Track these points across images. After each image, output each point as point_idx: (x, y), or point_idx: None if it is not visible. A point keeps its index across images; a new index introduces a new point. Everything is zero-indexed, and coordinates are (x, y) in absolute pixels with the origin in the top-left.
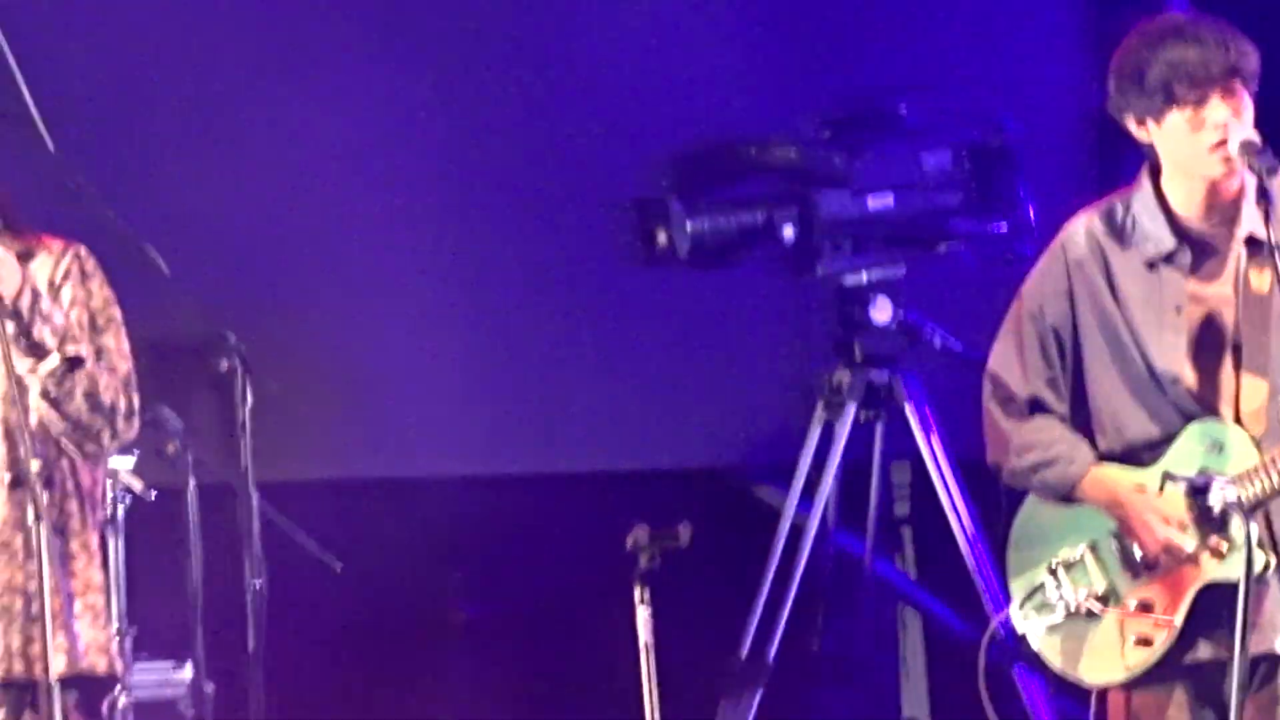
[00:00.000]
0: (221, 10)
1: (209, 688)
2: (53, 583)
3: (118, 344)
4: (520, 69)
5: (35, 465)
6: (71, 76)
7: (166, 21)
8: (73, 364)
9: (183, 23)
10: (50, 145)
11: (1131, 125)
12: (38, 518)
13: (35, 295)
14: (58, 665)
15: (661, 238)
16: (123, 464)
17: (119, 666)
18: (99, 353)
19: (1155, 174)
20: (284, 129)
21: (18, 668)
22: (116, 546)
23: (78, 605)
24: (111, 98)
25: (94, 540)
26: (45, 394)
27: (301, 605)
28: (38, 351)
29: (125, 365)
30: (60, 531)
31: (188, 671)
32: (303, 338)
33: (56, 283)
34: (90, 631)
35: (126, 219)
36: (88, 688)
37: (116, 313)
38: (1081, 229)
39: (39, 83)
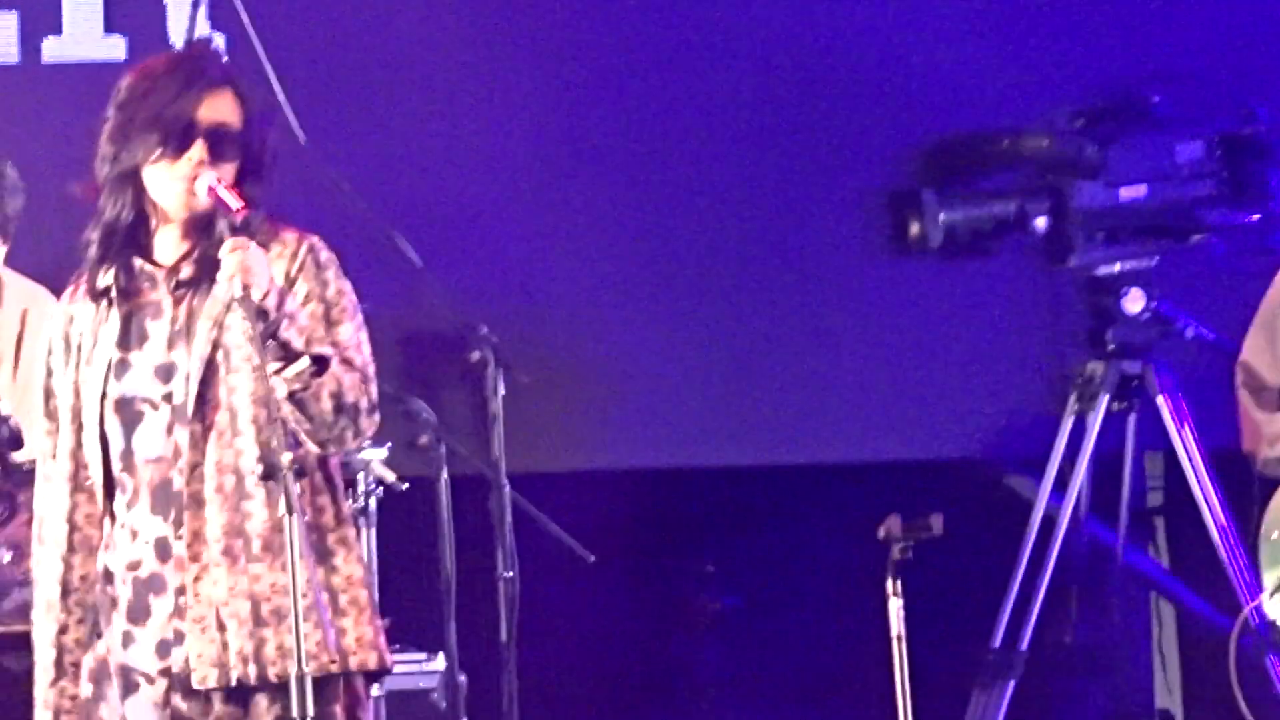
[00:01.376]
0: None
1: (461, 679)
2: (308, 577)
3: (354, 337)
4: (773, 60)
5: (286, 458)
6: (321, 68)
7: (418, 13)
8: (320, 365)
9: (433, 14)
10: (301, 138)
11: None
12: (290, 510)
13: (281, 295)
14: (320, 661)
15: (914, 228)
16: (375, 455)
17: (389, 660)
18: (336, 345)
19: None
20: (533, 121)
21: (251, 670)
22: (369, 538)
23: (342, 600)
24: (362, 89)
25: (351, 533)
26: (291, 395)
27: (553, 597)
28: (285, 351)
29: (361, 359)
30: (315, 528)
31: (440, 663)
32: (554, 329)
33: (291, 275)
34: (357, 627)
35: (378, 211)
36: (355, 684)
37: (352, 305)
38: None
39: (289, 74)
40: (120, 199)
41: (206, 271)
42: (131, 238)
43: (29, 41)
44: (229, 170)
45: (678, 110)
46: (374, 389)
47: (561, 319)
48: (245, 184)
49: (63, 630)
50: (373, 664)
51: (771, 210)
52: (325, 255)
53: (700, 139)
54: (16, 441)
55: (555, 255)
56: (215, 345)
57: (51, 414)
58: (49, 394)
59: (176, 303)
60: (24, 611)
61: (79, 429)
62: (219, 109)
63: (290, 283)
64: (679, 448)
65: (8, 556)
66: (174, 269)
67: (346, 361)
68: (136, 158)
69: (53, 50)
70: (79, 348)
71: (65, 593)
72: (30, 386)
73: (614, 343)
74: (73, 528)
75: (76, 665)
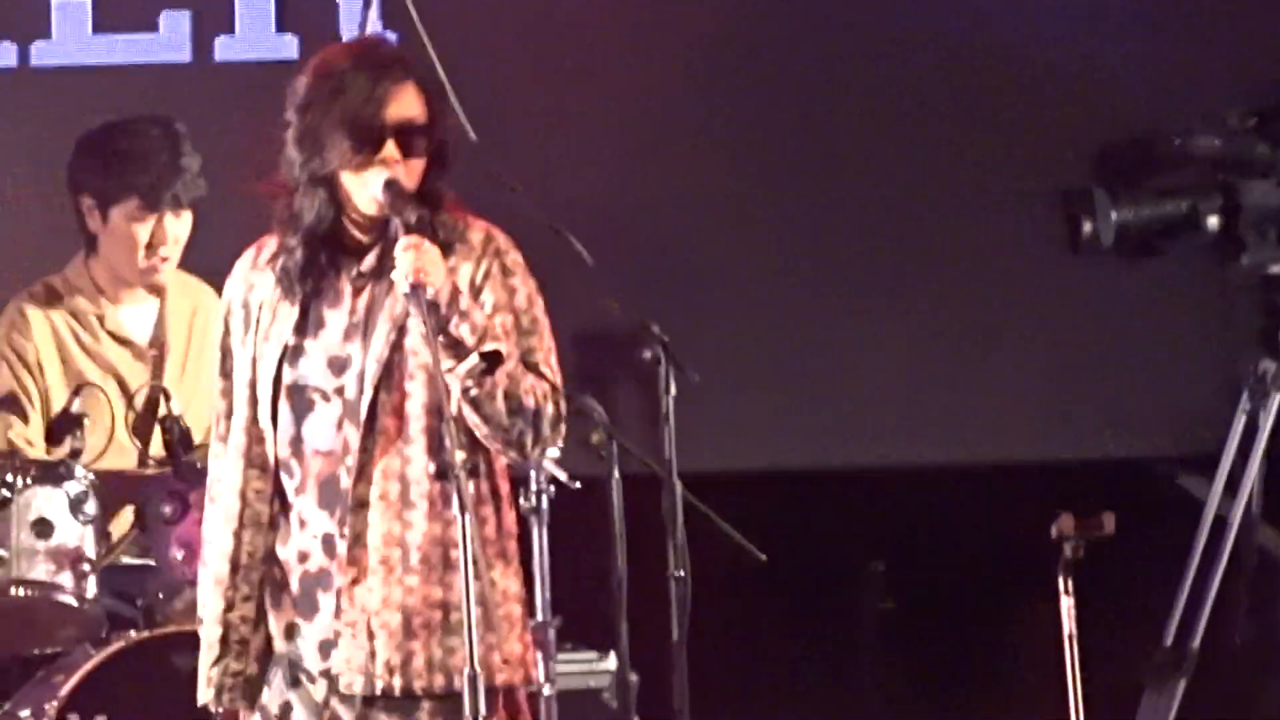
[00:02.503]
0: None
1: (633, 678)
2: (476, 586)
3: (541, 346)
4: (947, 58)
5: (460, 457)
6: (490, 65)
7: (584, 9)
8: (492, 363)
9: (599, 10)
10: (472, 135)
11: None
12: (463, 509)
13: (454, 292)
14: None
15: (1086, 227)
16: (548, 453)
17: (536, 677)
18: (525, 356)
19: None
20: (705, 118)
21: (438, 681)
22: (541, 536)
23: (496, 614)
24: (530, 86)
25: (512, 547)
26: (465, 393)
27: (724, 596)
28: (457, 349)
29: (552, 371)
30: (475, 540)
31: (611, 662)
32: (726, 328)
33: (477, 283)
34: (507, 644)
35: (548, 209)
36: (515, 695)
37: (540, 312)
38: None
39: (458, 71)
40: (316, 202)
41: (388, 265)
42: (329, 236)
43: (201, 41)
44: (418, 165)
45: (851, 108)
46: (563, 403)
47: (734, 317)
48: (432, 178)
49: (229, 607)
50: (519, 681)
51: (943, 209)
52: (511, 258)
53: (873, 137)
54: (187, 441)
55: (727, 253)
56: (394, 348)
57: (226, 373)
58: (226, 353)
59: (356, 293)
60: (194, 611)
61: (254, 402)
62: (405, 105)
63: (476, 291)
64: (849, 446)
65: (179, 555)
66: (357, 259)
67: (536, 372)
68: (330, 163)
69: (225, 49)
70: (258, 320)
71: (234, 569)
72: (200, 384)
73: (785, 341)
74: (244, 503)
75: (243, 643)
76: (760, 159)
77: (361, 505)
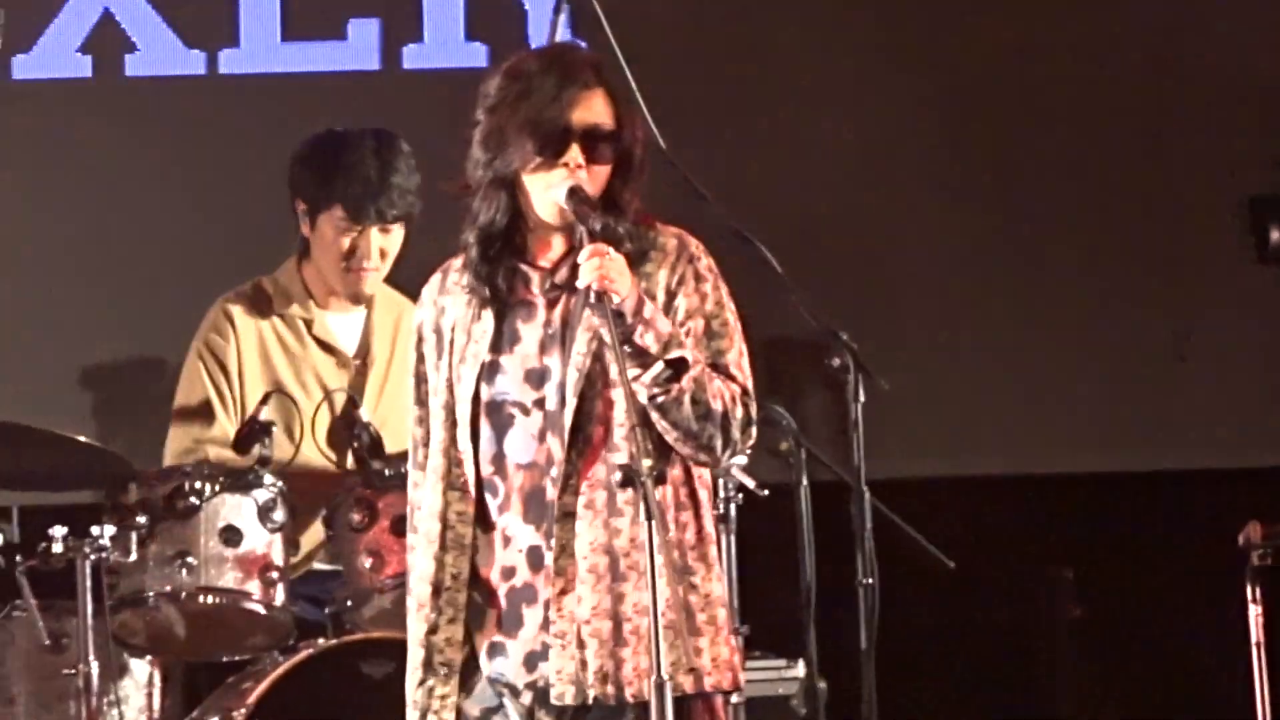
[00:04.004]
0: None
1: (821, 686)
2: (669, 592)
3: (733, 350)
4: (1140, 68)
5: (645, 464)
6: (679, 73)
7: (772, 16)
8: (677, 369)
9: (787, 17)
10: (661, 143)
11: None
12: (649, 516)
13: (640, 300)
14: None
15: (1275, 235)
16: (736, 462)
17: (742, 680)
18: (715, 359)
19: None
20: (895, 125)
21: (609, 690)
22: (729, 544)
23: (700, 618)
24: (719, 93)
25: (712, 551)
26: (652, 400)
27: (912, 603)
28: (642, 358)
29: (741, 374)
30: (676, 545)
31: (800, 669)
32: (916, 335)
33: (672, 289)
34: (714, 647)
35: (739, 217)
36: (713, 702)
37: (731, 316)
38: None
39: (647, 79)
40: (495, 202)
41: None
42: (508, 239)
43: (390, 49)
44: (603, 172)
45: (1039, 118)
46: (753, 406)
47: (923, 324)
48: (618, 186)
49: (433, 630)
50: (727, 684)
51: (1134, 216)
52: (704, 263)
53: (1062, 146)
54: (377, 448)
55: (916, 261)
56: (595, 357)
57: (422, 400)
58: (420, 379)
59: (550, 305)
60: (384, 619)
61: (452, 425)
62: (593, 110)
63: (670, 296)
64: (1038, 454)
65: (368, 563)
66: (549, 271)
67: (726, 374)
68: (512, 163)
69: (413, 58)
70: (451, 343)
71: (436, 591)
72: (399, 398)
73: (975, 348)
74: (445, 525)
75: (447, 665)
76: (949, 167)
77: (568, 515)
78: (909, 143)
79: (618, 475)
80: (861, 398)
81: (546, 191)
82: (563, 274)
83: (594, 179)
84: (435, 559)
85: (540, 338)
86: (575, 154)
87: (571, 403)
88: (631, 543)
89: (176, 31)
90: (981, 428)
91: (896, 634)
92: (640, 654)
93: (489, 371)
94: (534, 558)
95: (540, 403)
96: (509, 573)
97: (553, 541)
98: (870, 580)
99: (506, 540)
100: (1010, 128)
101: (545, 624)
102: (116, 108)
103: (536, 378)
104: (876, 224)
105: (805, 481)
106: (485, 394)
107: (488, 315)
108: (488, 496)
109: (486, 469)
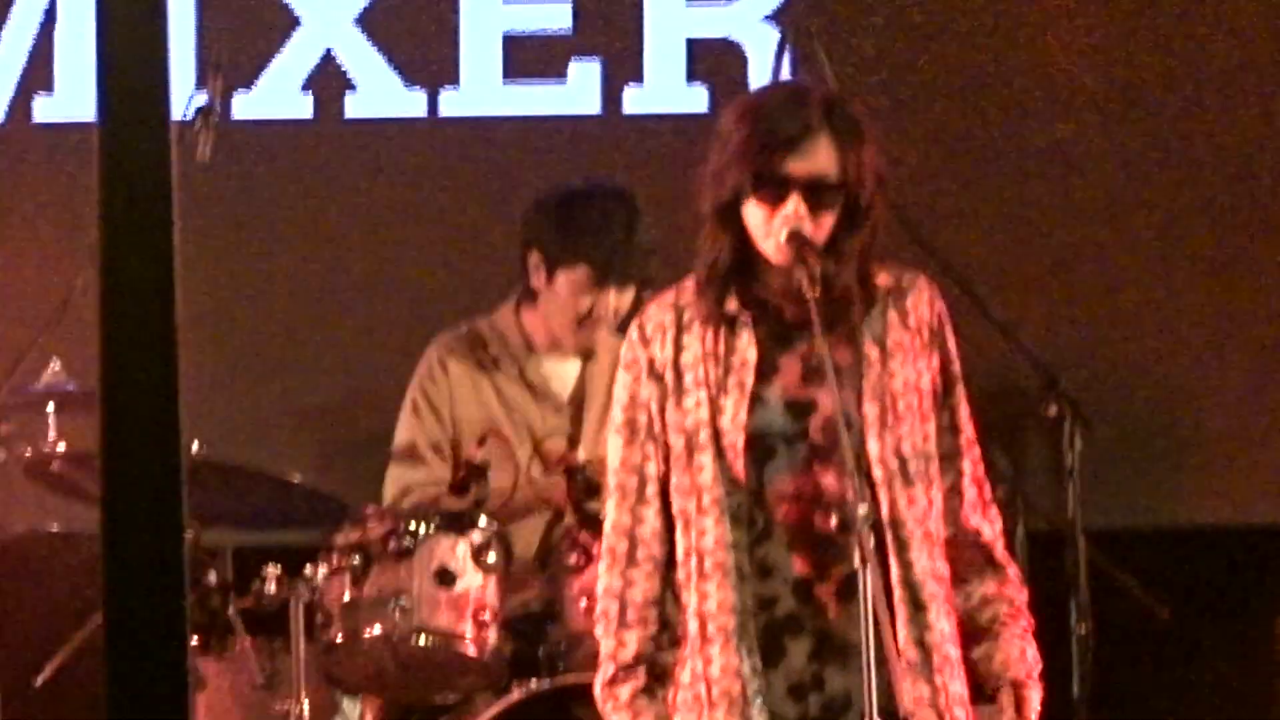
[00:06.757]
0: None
1: None
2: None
3: (960, 404)
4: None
5: (862, 510)
6: (903, 114)
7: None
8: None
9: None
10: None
11: None
12: (864, 561)
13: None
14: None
15: None
16: None
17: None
18: (952, 415)
19: None
20: (1104, 170)
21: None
22: None
23: (935, 658)
24: (943, 132)
25: (945, 590)
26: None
27: (1127, 652)
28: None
29: (970, 427)
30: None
31: None
32: (1134, 384)
33: (935, 329)
34: (954, 685)
35: (955, 263)
36: None
37: (957, 367)
38: None
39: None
40: (719, 238)
41: (836, 310)
42: (739, 272)
43: (611, 92)
44: (828, 220)
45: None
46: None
47: (1142, 374)
48: (842, 234)
49: (657, 647)
50: None
51: None
52: (942, 308)
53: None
54: (592, 490)
55: (1133, 309)
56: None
57: (653, 437)
58: (650, 417)
59: (801, 339)
60: (596, 661)
61: (689, 462)
62: (816, 160)
63: (933, 335)
64: (1257, 504)
65: (582, 604)
66: (793, 302)
67: (956, 429)
68: (734, 203)
69: (633, 101)
70: (698, 378)
71: (658, 619)
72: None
73: (1194, 397)
74: (668, 552)
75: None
76: (1176, 212)
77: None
78: (1133, 189)
79: (834, 520)
80: (1079, 446)
81: (771, 236)
82: (809, 309)
83: (818, 228)
84: (661, 580)
85: (801, 370)
86: (796, 203)
87: (845, 437)
88: (922, 572)
89: (397, 69)
90: (1198, 477)
91: (1110, 683)
92: (919, 687)
93: (751, 404)
94: (800, 590)
95: (804, 433)
96: (767, 603)
97: (827, 574)
98: (1084, 629)
99: (768, 571)
100: (1237, 178)
101: (815, 655)
102: (339, 147)
103: (799, 409)
104: (1095, 272)
105: (1022, 528)
106: (750, 426)
107: (741, 345)
108: (739, 527)
109: (745, 500)
